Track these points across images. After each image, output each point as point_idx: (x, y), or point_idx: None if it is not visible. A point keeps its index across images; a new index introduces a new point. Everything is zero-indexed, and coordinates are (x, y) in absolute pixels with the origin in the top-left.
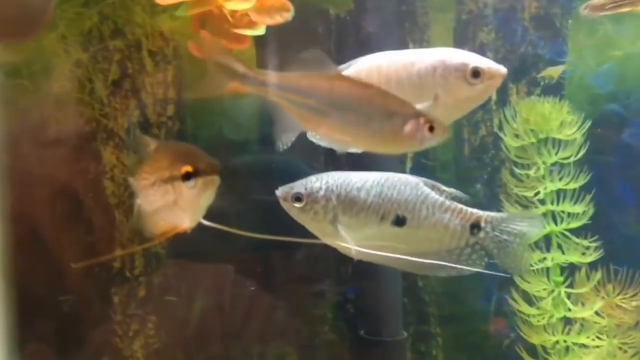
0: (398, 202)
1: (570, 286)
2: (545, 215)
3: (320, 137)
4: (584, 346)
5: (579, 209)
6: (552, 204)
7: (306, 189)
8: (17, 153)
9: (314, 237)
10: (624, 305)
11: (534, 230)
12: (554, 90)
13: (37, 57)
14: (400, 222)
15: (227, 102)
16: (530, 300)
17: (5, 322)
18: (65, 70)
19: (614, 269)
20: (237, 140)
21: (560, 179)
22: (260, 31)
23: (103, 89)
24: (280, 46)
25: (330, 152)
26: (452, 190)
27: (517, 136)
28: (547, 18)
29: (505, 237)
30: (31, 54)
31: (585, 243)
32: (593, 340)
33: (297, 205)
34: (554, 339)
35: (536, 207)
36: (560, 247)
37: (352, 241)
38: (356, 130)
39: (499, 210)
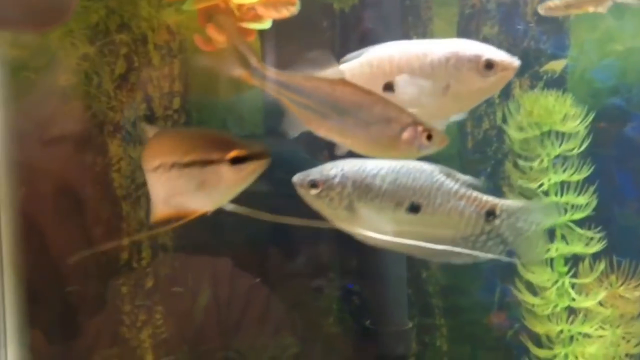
0: (413, 188)
1: (574, 276)
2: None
3: None
4: (588, 335)
5: (582, 200)
6: (556, 195)
7: (322, 176)
8: (24, 146)
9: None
10: (627, 296)
11: (548, 218)
12: (556, 83)
13: (43, 51)
14: (414, 208)
15: (232, 96)
16: (534, 290)
17: (14, 312)
18: (71, 63)
19: (617, 260)
20: (242, 133)
21: (564, 171)
22: (266, 24)
23: (109, 82)
24: (284, 40)
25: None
26: (467, 177)
27: (520, 129)
28: None
29: (520, 224)
30: (38, 48)
31: (589, 234)
32: (596, 330)
33: (313, 191)
34: (558, 328)
35: (540, 199)
36: (564, 237)
37: (370, 226)
38: (355, 134)
39: None
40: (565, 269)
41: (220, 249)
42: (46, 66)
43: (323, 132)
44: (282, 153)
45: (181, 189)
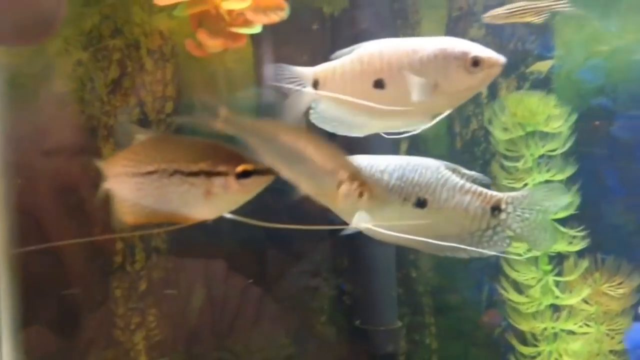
0: (419, 184)
1: (559, 274)
2: None
3: (319, 120)
4: (572, 332)
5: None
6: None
7: None
8: (20, 150)
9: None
10: (610, 293)
11: (556, 200)
12: (543, 84)
13: (38, 57)
14: (421, 204)
15: (225, 99)
16: (519, 288)
17: (9, 313)
18: (66, 69)
19: (601, 258)
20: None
21: (548, 171)
22: (256, 29)
23: (103, 87)
24: (276, 44)
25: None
26: (472, 172)
27: (505, 129)
28: None
29: (527, 215)
30: (33, 54)
31: (572, 232)
32: (580, 327)
33: None
34: (542, 325)
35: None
36: None
37: (378, 221)
38: (304, 183)
39: None
40: (550, 267)
41: (213, 250)
42: (41, 72)
43: (285, 175)
44: None
45: (182, 196)
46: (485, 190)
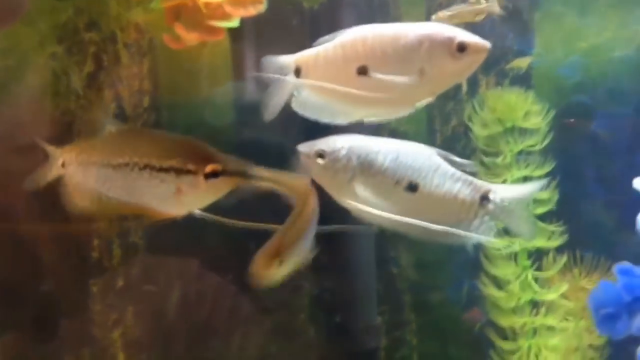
0: (412, 168)
1: (538, 270)
2: None
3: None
4: (551, 328)
5: (544, 195)
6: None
7: (329, 147)
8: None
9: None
10: (589, 288)
11: (531, 191)
12: (523, 80)
13: (11, 50)
14: (412, 187)
15: (203, 93)
16: (499, 284)
17: None
18: (40, 62)
19: (580, 254)
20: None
21: (526, 166)
22: (234, 23)
23: (78, 81)
24: (254, 38)
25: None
26: (463, 161)
27: (484, 125)
28: (515, 10)
29: (513, 206)
30: (5, 47)
31: (551, 227)
32: (560, 322)
33: (320, 161)
34: (522, 320)
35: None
36: None
37: (369, 202)
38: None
39: None
40: (529, 262)
41: (191, 247)
42: (14, 66)
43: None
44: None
45: (151, 191)
46: (475, 180)
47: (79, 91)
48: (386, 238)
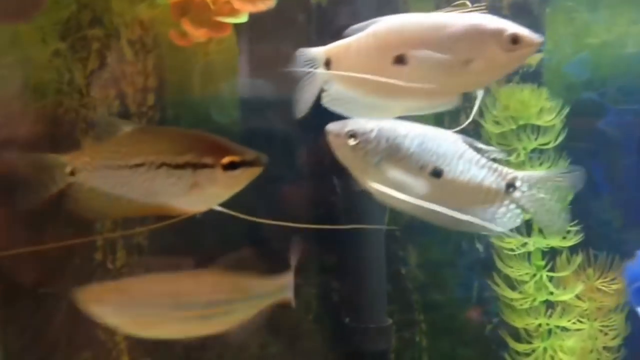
0: (437, 153)
1: (551, 270)
2: None
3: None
4: (565, 329)
5: None
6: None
7: (360, 128)
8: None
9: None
10: (604, 289)
11: (573, 184)
12: (532, 77)
13: (14, 47)
14: (437, 173)
15: (208, 91)
16: (511, 284)
17: None
18: (43, 59)
19: (594, 254)
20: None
21: (540, 164)
22: (243, 18)
23: (82, 79)
24: (260, 34)
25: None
26: (490, 147)
27: (497, 123)
28: (525, 6)
29: (542, 195)
30: (8, 43)
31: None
32: (574, 323)
33: (351, 142)
34: (537, 322)
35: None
36: (540, 231)
37: (394, 186)
38: None
39: None
40: (543, 262)
41: (195, 247)
42: (17, 62)
43: None
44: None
45: (169, 189)
46: (501, 167)
47: (82, 88)
48: (395, 238)
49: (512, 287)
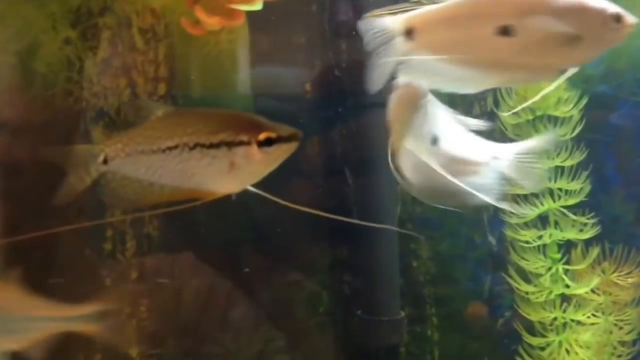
0: (435, 124)
1: (566, 263)
2: (542, 191)
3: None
4: (580, 323)
5: (575, 185)
6: (549, 180)
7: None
8: (4, 134)
9: None
10: (620, 282)
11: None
12: None
13: (24, 34)
14: (435, 142)
15: (220, 80)
16: (526, 278)
17: None
18: (53, 47)
19: (609, 247)
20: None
21: (557, 155)
22: (257, 6)
23: (92, 67)
24: (272, 23)
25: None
26: (474, 120)
27: (513, 113)
28: None
29: (521, 161)
30: (18, 31)
31: (582, 219)
32: (589, 317)
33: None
34: (552, 315)
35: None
36: (557, 223)
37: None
38: None
39: None
40: (559, 255)
41: (207, 240)
42: (27, 50)
43: None
44: None
45: (204, 170)
46: (483, 139)
47: (92, 77)
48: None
49: (527, 281)
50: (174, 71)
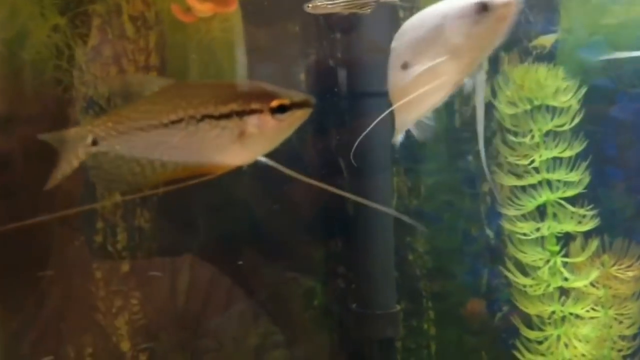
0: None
1: (565, 256)
2: (540, 183)
3: None
4: (579, 317)
5: (574, 176)
6: (547, 171)
7: None
8: None
9: None
10: (620, 276)
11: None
12: (546, 59)
13: (11, 22)
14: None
15: (212, 68)
16: (523, 271)
17: None
18: (41, 35)
19: (609, 240)
20: None
21: (556, 146)
22: None
23: (82, 56)
24: (266, 10)
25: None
26: None
27: (511, 103)
28: None
29: None
30: (5, 18)
31: (581, 211)
32: (588, 311)
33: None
34: (550, 308)
35: (531, 175)
36: (555, 215)
37: None
38: None
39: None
40: (557, 247)
41: (200, 231)
42: (14, 38)
43: None
44: None
45: (212, 142)
46: None
47: (81, 65)
48: (402, 223)
49: (524, 274)
50: (165, 59)
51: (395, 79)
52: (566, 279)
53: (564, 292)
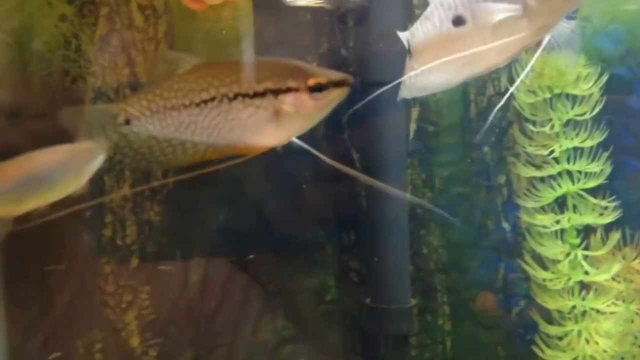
0: None
1: (586, 249)
2: (559, 174)
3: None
4: (599, 312)
5: (595, 167)
6: (568, 162)
7: None
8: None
9: None
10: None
11: None
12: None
13: (18, 11)
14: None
15: (221, 57)
16: (542, 264)
17: None
18: (49, 25)
19: (630, 233)
20: None
21: (576, 135)
22: None
23: (89, 45)
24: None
25: None
26: None
27: (530, 92)
28: None
29: None
30: (13, 8)
31: (603, 203)
32: (609, 305)
33: None
34: (570, 303)
35: (551, 166)
36: (575, 207)
37: None
38: None
39: (508, 175)
40: (578, 240)
41: (210, 226)
42: (22, 28)
43: None
44: None
45: (245, 122)
46: None
47: (90, 56)
48: (416, 217)
49: (544, 267)
50: (174, 49)
51: (440, 33)
52: (587, 273)
53: (584, 286)
